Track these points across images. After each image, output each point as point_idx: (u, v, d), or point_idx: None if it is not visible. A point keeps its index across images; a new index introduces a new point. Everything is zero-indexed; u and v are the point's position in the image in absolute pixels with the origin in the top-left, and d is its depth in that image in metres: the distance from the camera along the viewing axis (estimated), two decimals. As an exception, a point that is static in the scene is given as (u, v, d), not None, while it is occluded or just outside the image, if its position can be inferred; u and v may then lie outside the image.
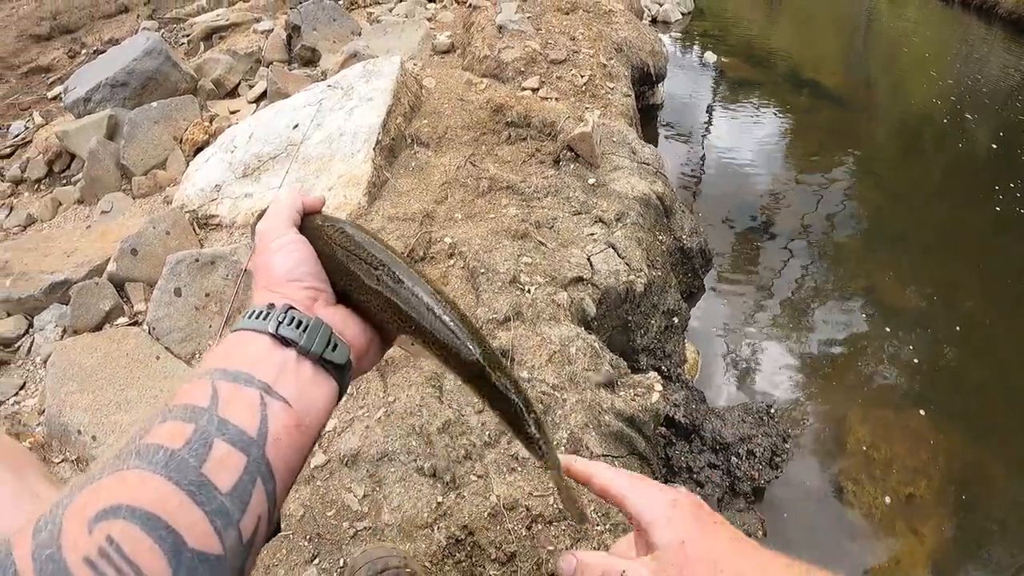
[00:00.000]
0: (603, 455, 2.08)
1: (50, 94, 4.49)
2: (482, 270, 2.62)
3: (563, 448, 2.06)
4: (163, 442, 0.58)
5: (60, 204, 3.48)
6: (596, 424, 2.15)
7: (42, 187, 3.69)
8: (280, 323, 0.71)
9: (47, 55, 4.84)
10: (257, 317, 0.72)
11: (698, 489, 2.60)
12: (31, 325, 2.86)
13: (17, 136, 4.14)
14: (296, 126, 3.30)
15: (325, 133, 3.21)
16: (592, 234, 2.87)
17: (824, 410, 3.16)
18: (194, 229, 3.02)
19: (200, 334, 2.56)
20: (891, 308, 3.66)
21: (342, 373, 0.76)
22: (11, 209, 3.59)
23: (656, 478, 2.23)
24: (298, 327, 0.72)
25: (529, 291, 2.57)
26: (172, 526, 0.55)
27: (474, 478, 1.98)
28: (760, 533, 2.54)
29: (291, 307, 0.74)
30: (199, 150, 3.43)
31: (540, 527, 1.85)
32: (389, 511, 1.95)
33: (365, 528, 1.93)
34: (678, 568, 0.71)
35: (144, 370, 2.50)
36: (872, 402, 3.17)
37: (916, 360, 3.38)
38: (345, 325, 0.82)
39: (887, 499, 2.77)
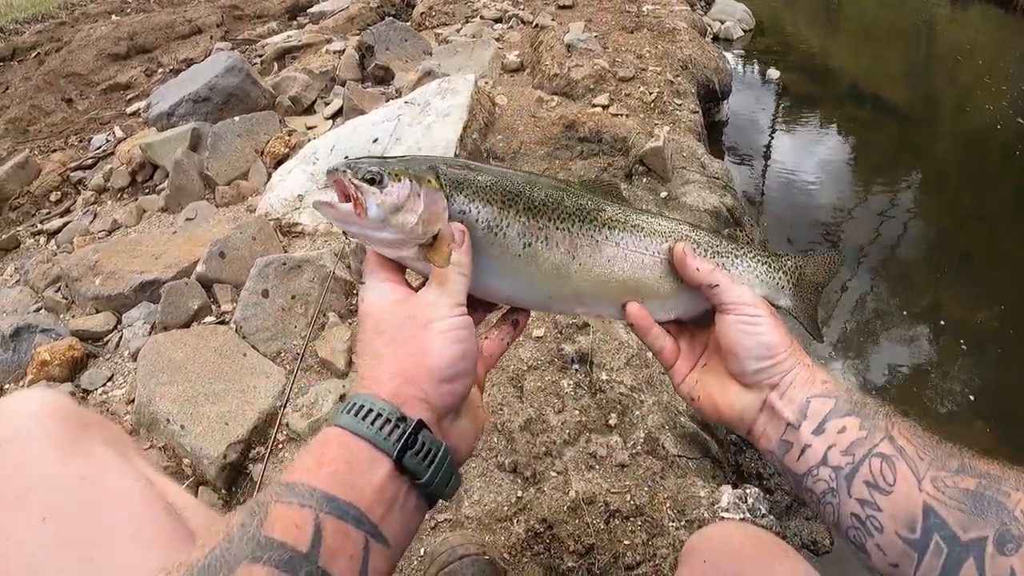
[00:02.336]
0: (678, 455, 2.13)
1: (128, 110, 4.71)
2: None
3: (639, 448, 2.12)
4: None
5: (144, 211, 3.65)
6: (672, 425, 2.21)
7: (125, 196, 3.87)
8: (409, 449, 0.63)
9: (125, 73, 5.07)
10: (380, 427, 0.64)
11: (767, 496, 2.62)
12: (119, 321, 3.00)
13: (99, 148, 4.34)
14: (376, 140, 3.44)
15: (404, 147, 3.33)
16: None
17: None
18: (278, 236, 3.16)
19: (286, 334, 2.67)
20: (959, 329, 3.62)
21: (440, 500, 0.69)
22: (95, 215, 3.77)
23: (727, 482, 2.27)
24: (425, 458, 0.64)
25: None
26: None
27: (553, 474, 2.05)
28: (828, 542, 2.54)
29: (423, 425, 0.66)
30: (279, 163, 3.58)
31: (618, 522, 1.91)
32: (470, 504, 2.02)
33: (446, 520, 2.00)
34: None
35: (231, 365, 2.61)
36: (943, 420, 3.15)
37: (985, 380, 3.35)
38: (464, 435, 0.78)
39: None
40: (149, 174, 3.89)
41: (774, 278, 1.11)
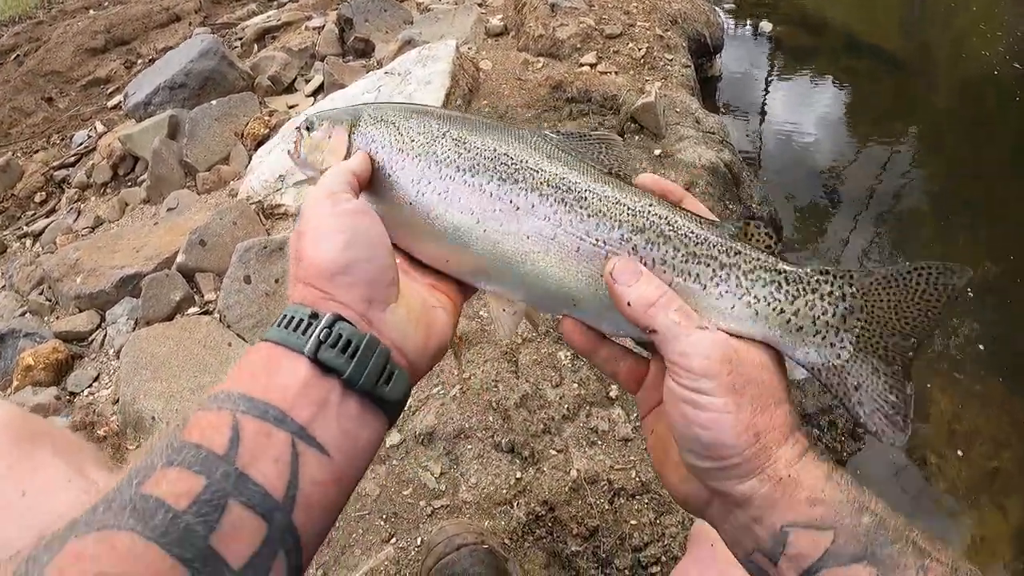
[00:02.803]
0: None
1: (110, 104, 4.59)
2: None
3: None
4: (166, 497, 0.48)
5: (127, 204, 3.54)
6: None
7: (108, 190, 3.75)
8: (322, 343, 0.58)
9: (104, 67, 4.94)
10: (294, 328, 0.60)
11: None
12: (103, 319, 2.90)
13: (81, 145, 4.22)
14: (355, 115, 3.28)
15: (384, 122, 3.18)
16: None
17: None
18: (260, 219, 3.03)
19: (271, 319, 2.53)
20: (974, 285, 3.43)
21: (396, 408, 0.64)
22: (79, 213, 3.66)
23: None
24: (345, 350, 0.59)
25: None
26: None
27: (553, 452, 1.92)
28: None
29: (339, 317, 0.61)
30: (260, 144, 3.45)
31: (623, 501, 1.78)
32: (467, 488, 1.90)
33: (443, 506, 1.88)
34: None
35: (216, 356, 2.49)
36: (953, 373, 3.02)
37: (994, 331, 3.22)
38: (407, 331, 0.68)
39: (971, 473, 2.66)
40: (131, 166, 3.77)
41: (793, 308, 0.71)
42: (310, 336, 0.58)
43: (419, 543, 1.82)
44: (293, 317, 0.60)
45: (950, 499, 2.60)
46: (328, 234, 0.64)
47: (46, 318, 3.02)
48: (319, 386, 0.58)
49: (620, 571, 1.67)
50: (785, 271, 0.72)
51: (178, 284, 2.77)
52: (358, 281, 0.64)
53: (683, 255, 0.73)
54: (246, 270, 2.65)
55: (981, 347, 3.13)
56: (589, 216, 0.75)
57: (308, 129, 0.88)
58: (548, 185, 0.76)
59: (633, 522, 1.73)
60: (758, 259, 0.73)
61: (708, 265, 0.72)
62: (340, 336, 0.59)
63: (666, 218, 0.74)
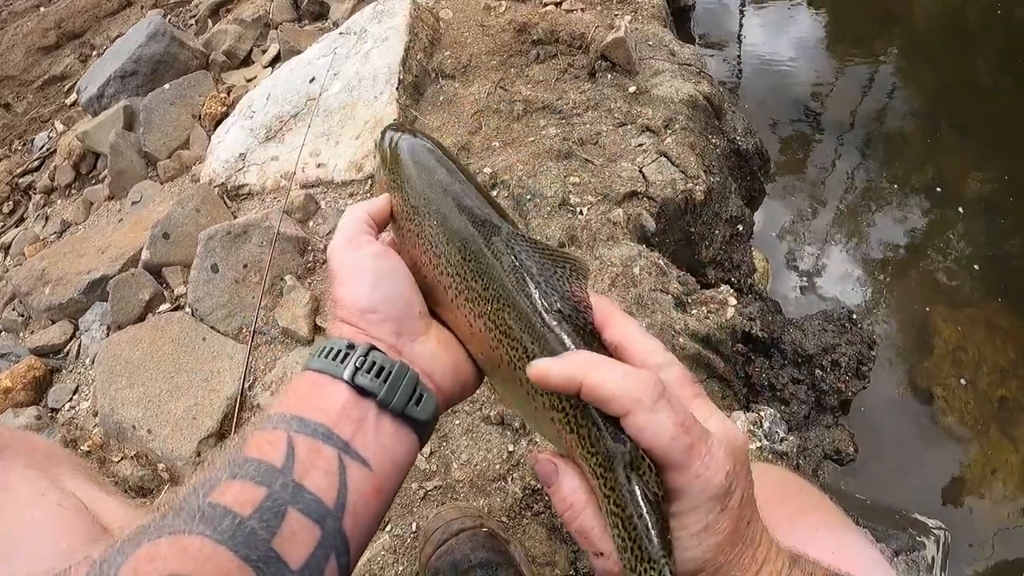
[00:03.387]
0: None
1: (68, 101, 4.41)
2: (528, 196, 2.40)
3: None
4: (232, 505, 0.54)
5: (92, 204, 3.40)
6: (670, 348, 1.90)
7: (72, 191, 3.61)
8: (358, 369, 0.64)
9: (59, 64, 4.75)
10: (333, 357, 0.65)
11: (783, 408, 2.38)
12: (77, 328, 2.78)
13: (42, 148, 4.07)
14: (312, 79, 3.10)
15: (344, 81, 3.01)
16: (640, 145, 2.61)
17: (906, 310, 2.95)
18: (225, 202, 2.88)
19: (244, 307, 2.41)
20: (957, 197, 3.34)
21: (426, 427, 0.68)
22: (47, 219, 3.53)
23: (738, 401, 1.99)
24: (378, 375, 0.64)
25: (581, 212, 2.35)
26: None
27: (545, 420, 1.78)
28: (851, 449, 2.34)
29: (373, 347, 0.67)
30: (219, 123, 3.27)
31: None
32: (458, 466, 1.78)
33: (435, 487, 1.76)
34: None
35: (191, 354, 2.38)
36: (953, 297, 2.93)
37: (990, 250, 3.09)
38: (436, 360, 0.72)
39: (978, 403, 2.59)
40: (92, 164, 3.61)
41: None
42: (347, 364, 0.64)
43: (414, 529, 1.71)
44: (333, 348, 0.66)
45: (959, 432, 2.53)
46: (354, 277, 0.70)
47: (21, 334, 2.91)
48: (358, 407, 0.63)
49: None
50: None
51: (145, 283, 2.63)
52: (387, 318, 0.70)
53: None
54: (212, 259, 2.51)
55: (977, 267, 3.01)
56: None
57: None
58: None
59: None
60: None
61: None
62: (374, 363, 0.64)
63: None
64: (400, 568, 1.67)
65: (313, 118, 2.93)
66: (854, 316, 2.65)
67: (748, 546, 0.58)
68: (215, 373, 2.30)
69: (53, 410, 2.57)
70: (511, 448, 1.76)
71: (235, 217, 2.80)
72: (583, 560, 1.58)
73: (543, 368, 0.58)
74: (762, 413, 1.71)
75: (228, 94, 3.49)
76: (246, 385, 2.24)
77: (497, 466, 1.74)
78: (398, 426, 0.65)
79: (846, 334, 2.56)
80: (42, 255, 3.06)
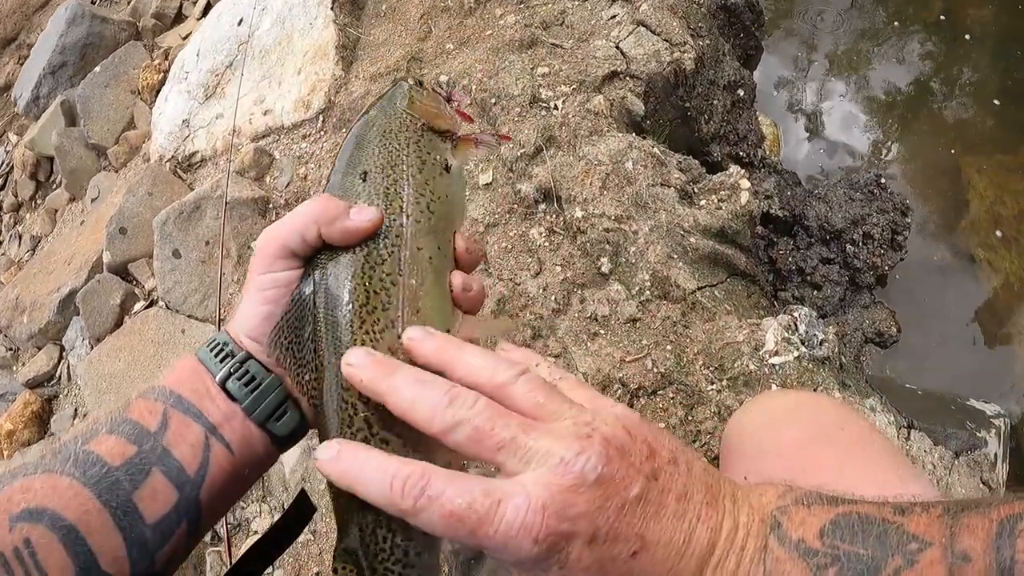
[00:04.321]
0: (699, 288, 1.55)
1: (18, 109, 4.14)
2: (493, 100, 2.09)
3: (647, 294, 1.55)
4: (104, 455, 0.58)
5: (56, 211, 3.19)
6: (681, 252, 1.62)
7: (37, 202, 3.39)
8: (231, 374, 0.65)
9: (0, 74, 4.46)
10: (216, 353, 0.67)
11: (815, 293, 2.13)
12: (63, 349, 2.60)
13: (1, 164, 3.83)
14: (240, 21, 2.77)
15: (274, 14, 2.69)
16: (613, 16, 2.26)
17: (936, 166, 2.69)
18: (179, 176, 2.63)
19: (216, 287, 2.18)
20: (962, 24, 2.97)
21: (285, 441, 0.68)
22: (19, 238, 3.33)
23: (765, 296, 1.69)
24: (247, 384, 0.66)
25: (556, 107, 2.03)
26: (89, 544, 0.55)
27: (550, 359, 1.51)
28: (894, 329, 2.13)
29: (251, 357, 0.67)
30: (159, 92, 2.97)
31: (644, 401, 1.36)
32: None
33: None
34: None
35: (173, 351, 2.21)
36: (982, 144, 2.66)
37: (1007, 81, 2.77)
38: None
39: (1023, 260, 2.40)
40: (48, 170, 3.38)
41: None
42: (223, 367, 0.65)
43: None
44: (218, 344, 0.67)
45: (1005, 296, 2.34)
46: (253, 299, 0.67)
47: (14, 368, 2.75)
48: (227, 403, 0.65)
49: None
50: None
51: (113, 286, 2.43)
52: (265, 350, 0.68)
53: None
54: (172, 244, 2.27)
55: (997, 102, 2.71)
56: None
57: None
58: None
59: (661, 425, 1.32)
60: None
61: None
62: (247, 372, 0.66)
63: None
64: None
65: (247, 63, 2.61)
66: (883, 180, 2.39)
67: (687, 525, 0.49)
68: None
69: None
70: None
71: (192, 188, 2.55)
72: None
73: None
74: (796, 314, 1.42)
75: (166, 58, 3.17)
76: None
77: (508, 413, 1.49)
78: (261, 432, 0.66)
79: (876, 201, 2.32)
80: (14, 282, 2.88)
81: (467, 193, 1.69)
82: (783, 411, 0.91)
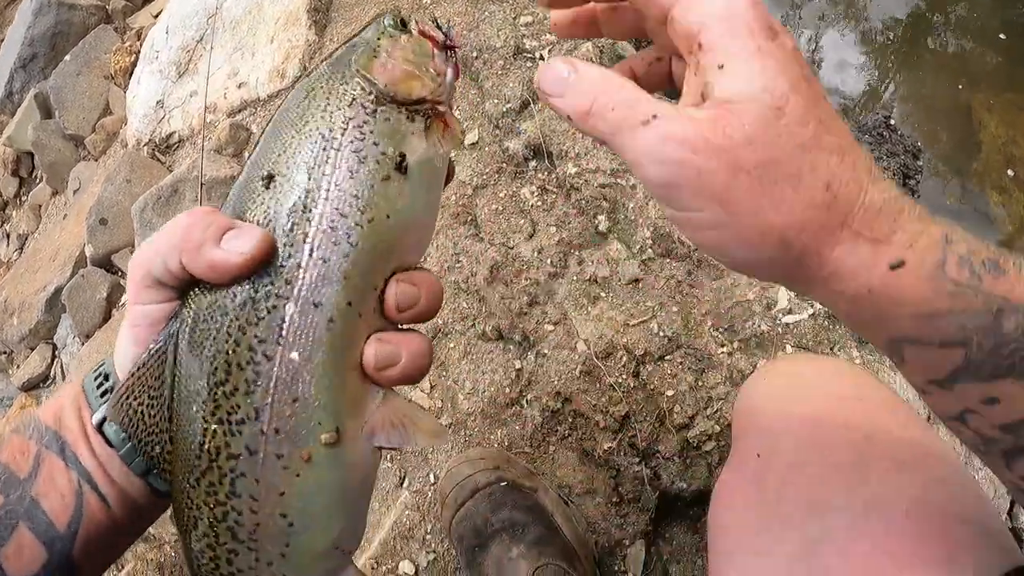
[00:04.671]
0: None
1: (-4, 110, 4.02)
2: (474, 54, 1.97)
3: (649, 251, 1.44)
4: None
5: (40, 207, 3.09)
6: None
7: (21, 200, 3.29)
8: (107, 418, 0.56)
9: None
10: (99, 385, 0.58)
11: None
12: (55, 347, 2.52)
13: (-16, 165, 3.73)
14: (207, -9, 2.63)
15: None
16: None
17: (945, 106, 2.60)
18: (158, 159, 2.53)
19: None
20: None
21: (167, 495, 0.60)
22: (7, 237, 3.24)
23: None
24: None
25: (542, 58, 1.92)
26: None
27: (549, 327, 1.42)
28: None
29: None
30: (132, 75, 2.85)
31: (650, 368, 1.26)
32: (464, 397, 1.45)
33: (446, 426, 1.45)
34: (754, 129, 0.42)
35: None
36: (991, 82, 2.55)
37: (1018, 17, 2.65)
38: None
39: None
40: (30, 165, 3.27)
41: None
42: (101, 407, 0.56)
43: (432, 480, 1.42)
44: (103, 374, 0.58)
45: (1020, 237, 2.27)
46: (126, 340, 0.57)
47: (10, 372, 2.68)
48: (104, 447, 0.57)
49: (668, 460, 1.20)
50: None
51: (98, 280, 2.33)
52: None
53: None
54: (153, 230, 2.11)
55: (1003, 36, 2.59)
56: None
57: None
58: None
59: (669, 393, 1.23)
60: None
61: None
62: None
63: None
64: (428, 527, 1.40)
65: (217, 36, 2.49)
66: (892, 122, 2.27)
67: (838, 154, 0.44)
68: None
69: (59, 441, 2.35)
70: (518, 365, 1.40)
71: (170, 170, 2.45)
72: (626, 483, 1.23)
73: None
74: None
75: (138, 39, 3.05)
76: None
77: (507, 389, 1.40)
78: (142, 483, 0.58)
79: (886, 144, 2.20)
80: (2, 283, 2.80)
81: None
82: (797, 382, 0.83)
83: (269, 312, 0.45)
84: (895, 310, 0.44)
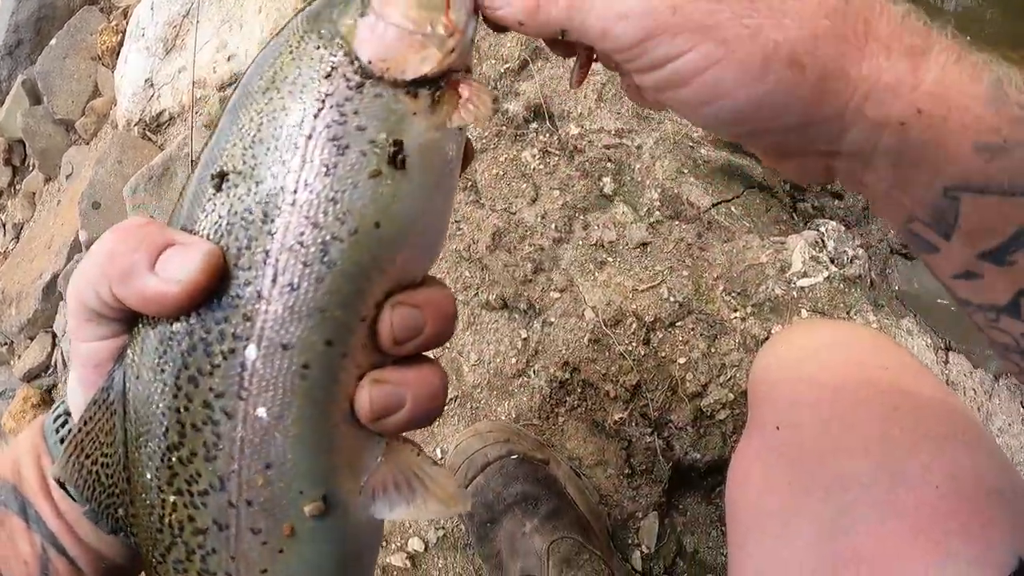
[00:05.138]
0: (713, 205, 1.39)
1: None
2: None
3: (657, 214, 1.38)
4: None
5: (34, 194, 3.05)
6: (692, 166, 1.46)
7: (15, 188, 3.25)
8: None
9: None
10: (56, 429, 0.51)
11: (836, 202, 1.91)
12: (55, 336, 2.49)
13: (-25, 153, 3.69)
14: (191, -38, 2.56)
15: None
16: None
17: None
18: (149, 139, 2.48)
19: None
20: None
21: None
22: (3, 226, 3.20)
23: (784, 209, 1.52)
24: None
25: None
26: None
27: (555, 294, 1.36)
28: None
29: None
30: (119, 54, 2.79)
31: (661, 335, 1.21)
32: (470, 369, 1.41)
33: (451, 399, 1.41)
34: None
35: None
36: (984, 35, 2.27)
37: None
38: None
39: None
40: (22, 154, 3.22)
41: None
42: (60, 459, 0.45)
43: (440, 456, 1.38)
44: (62, 414, 0.51)
45: None
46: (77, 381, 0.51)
47: (12, 363, 2.66)
48: (68, 503, 0.50)
49: (681, 430, 1.16)
50: None
51: (93, 265, 2.28)
52: None
53: None
54: (146, 212, 2.13)
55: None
56: None
57: None
58: None
59: (681, 361, 1.18)
60: None
61: None
62: None
63: None
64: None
65: (204, 8, 2.42)
66: None
67: None
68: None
69: (63, 429, 2.33)
70: (524, 335, 1.35)
71: (162, 148, 2.40)
72: (638, 454, 1.19)
73: None
74: (823, 229, 1.28)
75: (124, 17, 2.98)
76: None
77: (513, 360, 1.35)
78: (115, 539, 0.51)
79: None
80: (0, 273, 2.76)
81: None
82: (814, 350, 0.77)
83: (225, 358, 0.36)
84: (955, 140, 0.36)
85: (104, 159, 2.38)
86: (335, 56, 0.38)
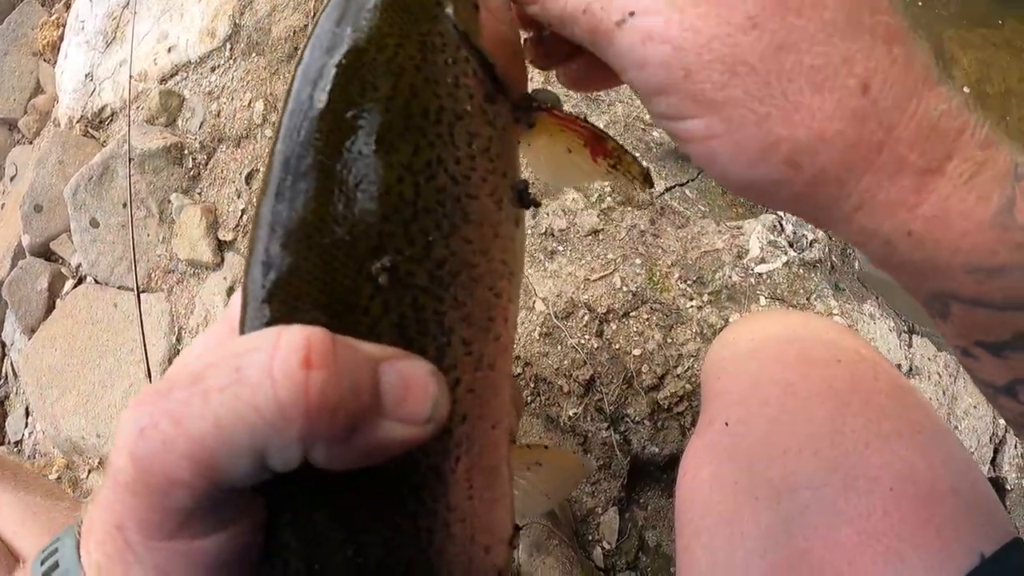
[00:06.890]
0: (667, 189, 1.36)
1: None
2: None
3: (608, 200, 1.36)
4: None
5: (-22, 197, 2.91)
6: (644, 149, 1.45)
7: (-39, 191, 3.13)
8: None
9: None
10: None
11: None
12: (4, 345, 2.40)
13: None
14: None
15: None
16: None
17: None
18: (92, 136, 2.38)
19: (144, 249, 2.02)
20: None
21: None
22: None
23: (745, 207, 1.49)
24: None
25: None
26: None
27: (507, 286, 1.30)
28: None
29: None
30: (60, 49, 2.68)
31: (615, 327, 1.16)
32: None
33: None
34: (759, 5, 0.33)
35: (109, 328, 2.02)
36: (966, 15, 2.33)
37: None
38: None
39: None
40: (-34, 156, 3.10)
41: None
42: None
43: None
44: (54, 564, 0.37)
45: None
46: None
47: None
48: None
49: (638, 423, 1.10)
50: None
51: (38, 270, 2.21)
52: None
53: None
54: (88, 213, 2.06)
55: None
56: None
57: None
58: None
59: (636, 353, 1.13)
60: None
61: None
62: None
63: None
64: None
65: (140, -1, 2.33)
66: None
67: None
68: (137, 339, 1.91)
69: (16, 443, 2.27)
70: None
71: (104, 145, 2.31)
72: (595, 450, 1.14)
73: None
74: (781, 212, 1.20)
75: (67, 10, 2.87)
76: (173, 339, 1.87)
77: (466, 356, 1.29)
78: None
79: None
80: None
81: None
82: (767, 343, 0.74)
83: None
84: (945, 260, 0.34)
85: (45, 159, 2.29)
86: (467, 48, 0.38)
